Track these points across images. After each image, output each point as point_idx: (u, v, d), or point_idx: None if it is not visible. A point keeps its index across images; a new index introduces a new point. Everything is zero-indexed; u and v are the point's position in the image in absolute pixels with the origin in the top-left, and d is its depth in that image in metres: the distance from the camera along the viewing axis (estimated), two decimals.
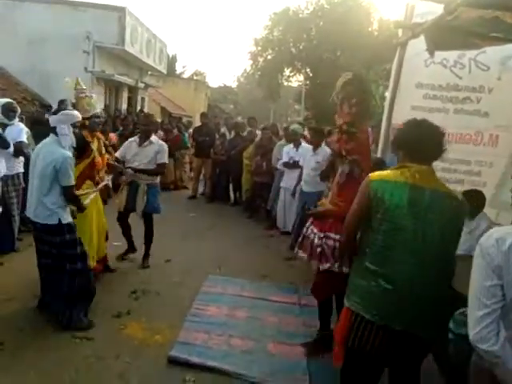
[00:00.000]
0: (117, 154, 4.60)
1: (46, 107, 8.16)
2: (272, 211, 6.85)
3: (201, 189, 9.10)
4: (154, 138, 4.58)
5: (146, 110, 14.80)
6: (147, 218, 4.57)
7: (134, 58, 13.14)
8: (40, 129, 5.56)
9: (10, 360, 2.69)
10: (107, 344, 2.97)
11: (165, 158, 4.54)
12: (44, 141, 3.17)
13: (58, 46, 10.52)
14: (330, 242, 2.95)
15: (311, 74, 21.87)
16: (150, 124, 4.70)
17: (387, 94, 4.71)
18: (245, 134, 8.31)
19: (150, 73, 16.69)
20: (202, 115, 9.20)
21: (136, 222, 4.68)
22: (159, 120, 11.26)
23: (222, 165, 8.38)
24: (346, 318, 1.94)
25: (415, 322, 1.81)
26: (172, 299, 3.79)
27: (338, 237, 2.92)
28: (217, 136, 8.65)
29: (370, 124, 4.02)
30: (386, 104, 4.38)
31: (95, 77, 11.72)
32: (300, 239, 3.19)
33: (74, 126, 3.16)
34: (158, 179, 4.65)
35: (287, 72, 23.26)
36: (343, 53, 19.45)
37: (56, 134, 3.09)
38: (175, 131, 9.83)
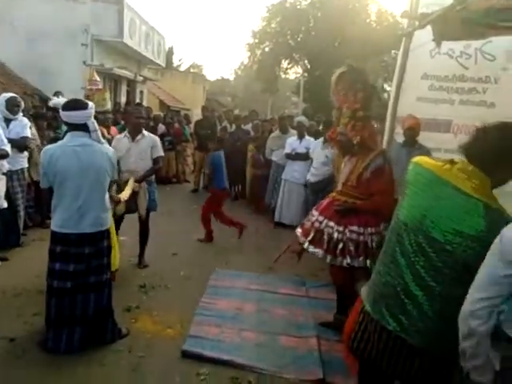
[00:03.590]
0: None
1: (46, 101, 8.08)
2: (271, 204, 6.81)
3: (202, 182, 9.10)
4: (144, 131, 4.39)
5: (144, 103, 14.71)
6: (145, 217, 4.35)
7: (133, 51, 13.04)
8: (41, 123, 5.55)
9: (22, 353, 2.70)
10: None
11: (161, 152, 4.38)
12: (75, 140, 2.71)
13: (57, 39, 10.44)
14: (354, 236, 2.91)
15: (309, 66, 21.74)
16: (142, 116, 4.50)
17: (392, 86, 4.69)
18: (247, 126, 8.26)
19: (148, 66, 16.57)
20: (203, 109, 9.19)
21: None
22: (160, 113, 11.21)
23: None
24: (355, 310, 1.73)
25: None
26: (181, 293, 3.80)
27: (362, 230, 2.89)
28: (218, 129, 8.61)
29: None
30: (392, 95, 4.36)
31: (94, 70, 11.63)
32: (312, 234, 3.08)
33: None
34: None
35: (285, 64, 23.07)
36: (341, 44, 19.34)
37: (86, 131, 2.72)
38: (176, 125, 9.80)
